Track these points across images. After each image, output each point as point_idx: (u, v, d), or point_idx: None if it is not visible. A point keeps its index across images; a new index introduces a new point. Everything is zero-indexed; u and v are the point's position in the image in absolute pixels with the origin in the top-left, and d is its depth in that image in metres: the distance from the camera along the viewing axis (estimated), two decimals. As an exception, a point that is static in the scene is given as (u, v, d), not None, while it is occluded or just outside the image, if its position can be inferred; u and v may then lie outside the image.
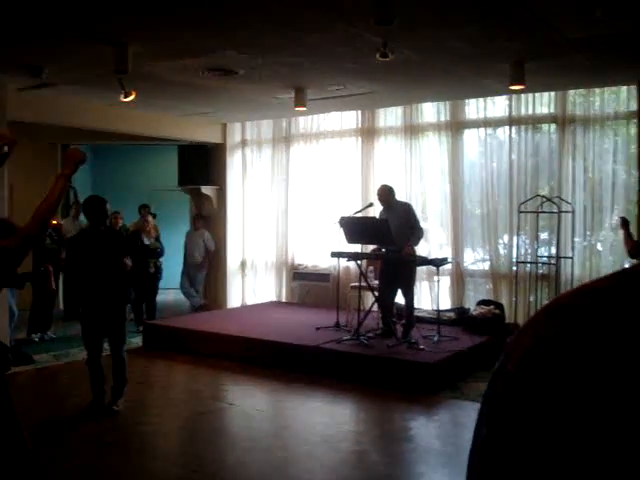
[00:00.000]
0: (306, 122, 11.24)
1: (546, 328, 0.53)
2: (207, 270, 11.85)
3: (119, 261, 6.15)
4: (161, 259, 10.62)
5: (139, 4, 5.21)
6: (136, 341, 9.40)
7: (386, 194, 8.21)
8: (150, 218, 10.63)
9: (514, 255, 9.18)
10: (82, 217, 11.08)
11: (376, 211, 8.87)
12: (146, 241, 10.40)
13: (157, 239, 10.60)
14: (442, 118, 9.92)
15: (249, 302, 11.93)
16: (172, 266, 11.64)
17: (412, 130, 10.13)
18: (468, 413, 6.51)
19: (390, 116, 10.53)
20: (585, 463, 0.45)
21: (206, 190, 11.89)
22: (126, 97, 7.26)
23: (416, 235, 8.03)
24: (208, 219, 12.00)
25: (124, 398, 6.37)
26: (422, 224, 8.42)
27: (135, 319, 10.42)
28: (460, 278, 9.55)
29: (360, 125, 10.68)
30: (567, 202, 8.78)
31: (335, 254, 8.54)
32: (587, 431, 0.45)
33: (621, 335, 0.48)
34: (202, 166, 11.90)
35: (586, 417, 0.46)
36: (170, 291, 12.91)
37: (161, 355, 8.73)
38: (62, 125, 9.95)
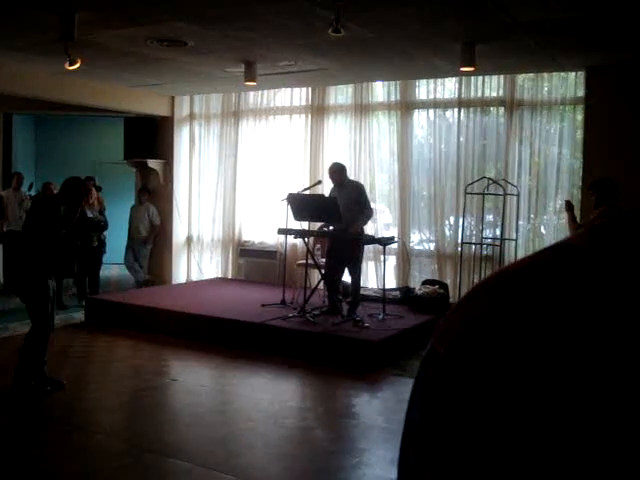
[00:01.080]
0: (256, 97, 11.13)
1: (475, 308, 0.52)
2: (152, 245, 11.69)
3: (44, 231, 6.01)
4: (105, 233, 10.43)
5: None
6: (79, 316, 9.25)
7: (338, 172, 8.20)
8: (94, 191, 10.42)
9: (459, 236, 9.28)
10: (24, 188, 10.85)
11: (325, 189, 8.87)
12: (90, 214, 10.19)
13: (101, 212, 10.40)
14: (392, 98, 9.93)
15: (195, 278, 11.83)
16: (116, 240, 11.45)
17: (362, 109, 10.12)
18: (410, 390, 6.59)
19: (340, 95, 10.50)
20: (518, 448, 0.44)
21: (153, 164, 11.70)
22: (71, 65, 7.06)
23: (365, 214, 8.05)
24: (154, 193, 11.81)
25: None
26: (371, 204, 8.44)
27: (78, 293, 10.25)
28: (406, 258, 9.63)
29: (310, 102, 10.62)
30: (513, 185, 8.90)
31: (282, 231, 8.51)
32: (520, 414, 0.44)
33: (549, 312, 0.46)
34: (149, 139, 11.70)
35: (518, 400, 0.44)
36: (114, 266, 12.71)
37: (104, 330, 8.60)
38: (5, 93, 9.65)
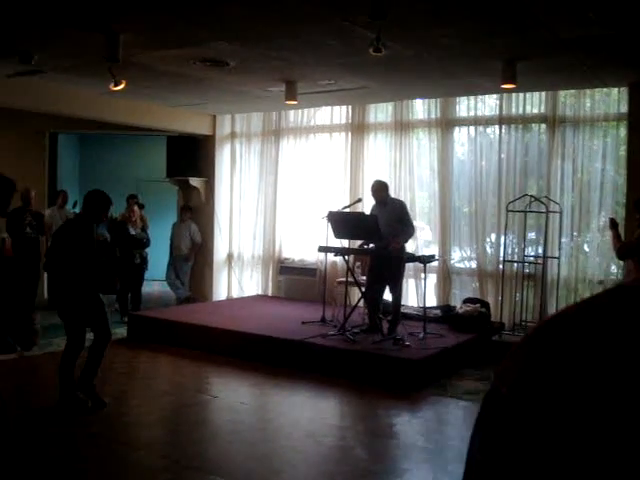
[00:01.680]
0: (296, 116, 11.20)
1: (538, 350, 0.52)
2: (193, 262, 11.80)
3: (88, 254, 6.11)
4: (147, 250, 10.57)
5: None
6: (121, 332, 9.35)
7: (380, 189, 8.19)
8: (136, 208, 10.58)
9: (501, 254, 9.18)
10: (68, 206, 11.04)
11: (365, 207, 8.86)
12: (132, 231, 10.35)
13: (143, 229, 10.55)
14: (432, 115, 9.91)
15: (235, 295, 11.90)
16: (158, 257, 11.60)
17: (402, 127, 10.12)
18: (452, 410, 6.53)
19: (380, 112, 10.52)
20: None
21: (194, 182, 11.84)
22: (116, 86, 7.20)
23: (406, 232, 8.02)
24: (195, 211, 11.94)
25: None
26: (413, 221, 8.41)
27: (120, 310, 10.37)
28: (447, 276, 9.57)
29: (350, 120, 10.66)
30: (555, 202, 8.79)
31: (322, 249, 8.52)
32: (585, 458, 0.44)
33: (616, 354, 0.46)
34: (191, 158, 11.84)
35: (584, 443, 0.44)
36: (156, 282, 12.86)
37: (145, 346, 8.69)
38: (50, 113, 9.87)
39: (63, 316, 6.08)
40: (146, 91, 9.29)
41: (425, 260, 8.18)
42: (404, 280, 8.71)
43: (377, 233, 7.68)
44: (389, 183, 8.75)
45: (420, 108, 10.17)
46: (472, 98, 9.56)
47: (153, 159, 13.41)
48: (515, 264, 9.10)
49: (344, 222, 8.16)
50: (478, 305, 8.83)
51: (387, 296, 8.42)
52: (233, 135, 12.05)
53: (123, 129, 11.38)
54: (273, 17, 5.74)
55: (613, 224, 6.81)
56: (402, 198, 9.35)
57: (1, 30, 6.32)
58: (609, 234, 7.26)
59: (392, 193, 8.93)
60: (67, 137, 13.35)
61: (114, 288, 9.49)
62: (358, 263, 9.14)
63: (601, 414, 0.44)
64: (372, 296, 8.19)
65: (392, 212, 8.01)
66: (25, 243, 9.16)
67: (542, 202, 8.68)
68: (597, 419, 0.44)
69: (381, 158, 10.46)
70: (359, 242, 8.60)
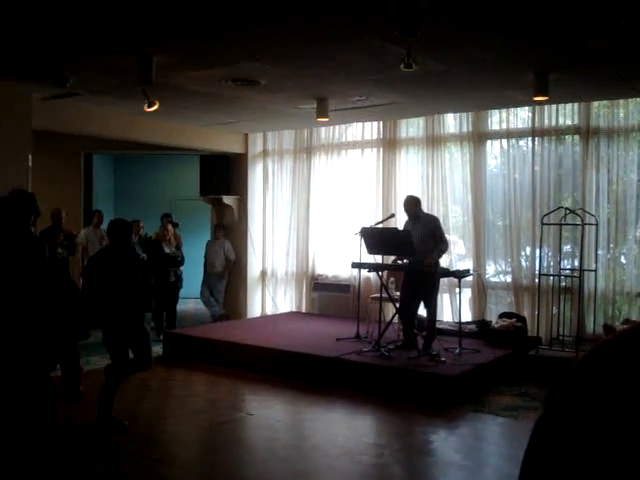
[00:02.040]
0: (327, 132, 11.24)
1: (591, 377, 0.51)
2: (227, 280, 11.86)
3: (133, 274, 6.17)
4: (181, 268, 10.65)
5: (163, 15, 5.24)
6: (156, 350, 9.41)
7: (413, 205, 8.17)
8: (170, 227, 10.67)
9: (537, 267, 9.08)
10: (104, 226, 11.17)
11: (398, 222, 8.84)
12: (167, 250, 10.44)
13: (178, 248, 10.64)
14: (464, 129, 9.87)
15: (269, 312, 11.92)
16: (193, 275, 11.68)
17: (434, 141, 10.09)
18: (489, 427, 6.45)
19: (412, 127, 10.50)
20: None
21: (227, 200, 11.92)
22: (150, 107, 7.29)
23: (440, 248, 7.97)
24: (229, 229, 12.02)
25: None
26: (446, 237, 8.37)
27: (155, 328, 10.44)
28: (482, 290, 9.48)
29: (382, 136, 10.66)
30: (591, 214, 8.69)
31: (356, 265, 8.51)
32: None
33: None
34: (224, 176, 11.94)
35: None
36: (190, 300, 12.94)
37: (181, 364, 8.74)
38: (85, 134, 10.03)
39: (105, 341, 6.13)
40: (179, 111, 9.39)
41: (460, 275, 8.13)
42: (439, 295, 8.66)
43: (411, 248, 7.66)
44: (422, 198, 8.72)
45: (452, 122, 10.14)
46: (504, 111, 9.51)
47: (186, 178, 13.55)
48: (551, 277, 8.99)
49: (377, 238, 8.14)
50: (514, 320, 8.74)
51: (422, 311, 8.37)
52: (265, 153, 12.13)
53: (157, 149, 11.52)
54: (303, 36, 5.77)
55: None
56: (435, 212, 9.32)
57: (36, 54, 6.45)
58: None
59: (425, 208, 8.90)
60: (102, 158, 13.55)
61: (149, 306, 9.60)
62: (392, 279, 9.11)
63: None
64: (407, 312, 8.15)
65: (425, 227, 7.98)
66: (56, 263, 9.27)
67: (577, 214, 8.58)
68: None
69: (413, 173, 10.44)
70: (392, 258, 8.57)
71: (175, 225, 10.92)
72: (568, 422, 0.46)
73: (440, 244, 7.98)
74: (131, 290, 6.05)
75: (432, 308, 8.11)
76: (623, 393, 0.44)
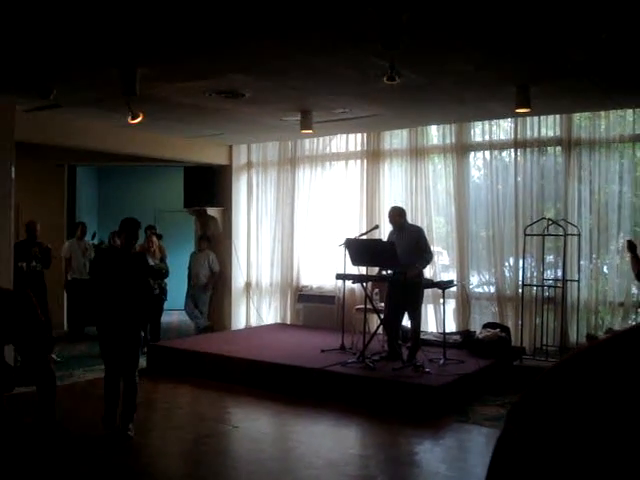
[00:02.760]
0: (312, 144, 11.27)
1: (551, 392, 0.53)
2: (211, 291, 11.83)
3: (142, 283, 6.17)
4: (166, 280, 10.61)
5: (147, 27, 5.25)
6: (140, 362, 9.36)
7: (398, 215, 8.21)
8: (155, 239, 10.64)
9: (520, 278, 9.14)
10: (87, 237, 11.13)
11: (382, 233, 8.86)
12: (151, 262, 10.39)
13: (162, 260, 10.59)
14: (447, 141, 9.94)
15: (254, 324, 11.90)
16: (177, 287, 11.64)
17: (417, 152, 10.15)
18: (474, 437, 6.47)
19: (395, 139, 10.56)
20: None
21: (212, 211, 11.92)
22: (134, 119, 7.29)
23: (424, 259, 8.00)
24: (213, 240, 12.00)
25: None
26: (431, 247, 8.40)
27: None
28: (466, 301, 9.52)
29: (366, 147, 10.71)
30: (573, 225, 8.76)
31: (340, 276, 8.53)
32: None
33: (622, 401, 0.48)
34: (208, 187, 11.94)
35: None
36: (174, 312, 12.90)
37: (165, 377, 8.70)
38: (69, 146, 10.00)
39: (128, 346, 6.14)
40: (163, 123, 9.39)
41: (444, 285, 8.17)
42: (423, 306, 8.68)
43: (395, 259, 7.68)
44: (406, 209, 8.76)
45: (435, 134, 10.21)
46: (487, 123, 9.59)
47: (171, 190, 13.53)
48: (534, 288, 9.05)
49: (361, 249, 8.16)
50: (498, 330, 8.78)
51: (406, 322, 8.39)
52: (249, 165, 12.14)
53: (141, 161, 11.50)
54: (287, 49, 5.80)
55: (631, 246, 6.77)
56: (419, 223, 9.36)
57: (20, 66, 6.43)
58: (628, 256, 7.21)
59: (409, 219, 8.93)
60: (86, 169, 13.50)
61: (150, 316, 9.56)
62: (376, 290, 9.12)
63: (602, 464, 0.46)
64: (391, 323, 8.16)
65: (410, 238, 8.01)
66: (30, 275, 9.20)
67: (560, 225, 8.65)
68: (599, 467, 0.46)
69: (397, 184, 10.49)
70: (377, 269, 8.60)
71: (159, 237, 10.89)
72: (526, 439, 0.47)
73: (424, 255, 8.01)
74: (136, 294, 6.05)
75: (416, 319, 8.13)
76: (584, 409, 0.45)
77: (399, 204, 9.00)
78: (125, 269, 6.05)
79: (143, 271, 6.24)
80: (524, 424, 0.54)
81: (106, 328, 6.10)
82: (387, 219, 8.35)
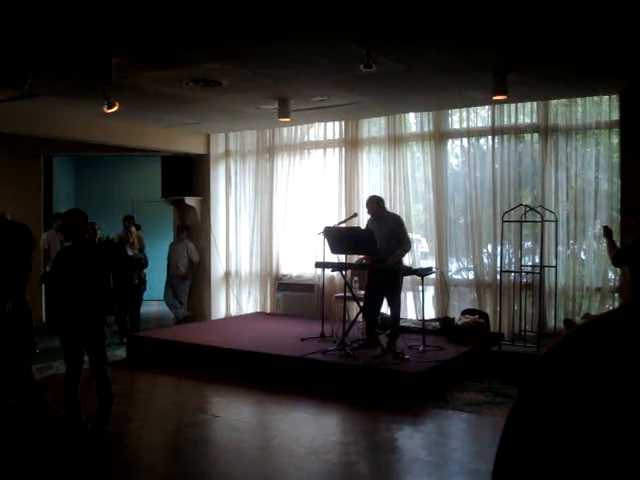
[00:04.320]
0: (290, 133, 11.24)
1: (566, 362, 0.55)
2: (191, 281, 11.80)
3: (99, 277, 6.07)
4: (145, 270, 10.57)
5: (122, 16, 5.20)
6: (120, 353, 9.34)
7: (375, 204, 8.22)
8: (133, 229, 10.58)
9: (498, 264, 9.20)
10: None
11: (361, 221, 8.88)
12: (130, 252, 10.35)
13: (141, 250, 10.55)
14: (425, 128, 9.95)
15: (233, 313, 11.89)
16: (156, 277, 11.60)
17: (396, 140, 10.16)
18: (454, 423, 6.52)
19: (374, 126, 10.56)
20: None
21: (190, 201, 11.87)
22: (109, 108, 7.23)
23: (403, 247, 8.02)
24: (192, 230, 11.96)
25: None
26: (409, 236, 8.43)
27: (119, 331, 10.35)
28: (444, 288, 9.57)
29: (344, 136, 10.70)
30: (550, 211, 8.82)
31: (319, 264, 8.53)
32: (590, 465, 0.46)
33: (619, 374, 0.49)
34: (186, 177, 11.88)
35: (588, 451, 0.46)
36: (154, 302, 12.85)
37: (145, 367, 8.68)
38: (45, 136, 9.90)
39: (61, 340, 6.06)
40: (139, 112, 9.32)
41: (422, 273, 8.20)
42: (402, 293, 8.72)
43: (373, 247, 7.69)
44: (384, 196, 8.78)
45: (413, 121, 10.22)
46: (464, 110, 9.61)
47: (148, 179, 13.44)
48: (512, 274, 9.11)
49: (340, 237, 8.17)
50: (477, 316, 8.83)
51: (386, 310, 8.42)
52: (227, 153, 12.09)
53: (118, 151, 11.41)
54: (264, 37, 5.78)
55: (607, 232, 6.83)
56: (397, 211, 9.38)
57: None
58: (605, 241, 7.27)
59: (388, 206, 8.94)
60: (62, 160, 13.37)
61: (112, 309, 9.50)
62: (356, 278, 9.14)
63: (604, 427, 0.47)
64: (370, 310, 8.19)
65: (388, 226, 8.03)
66: None
67: (537, 211, 8.70)
68: (602, 431, 0.47)
69: (375, 172, 10.50)
70: (356, 257, 8.61)
71: (138, 227, 10.83)
72: (541, 410, 0.48)
73: (403, 243, 8.03)
74: (91, 291, 5.97)
75: (395, 306, 8.16)
76: (599, 379, 0.46)
77: (377, 192, 9.02)
78: (79, 262, 5.93)
79: (99, 263, 6.11)
80: (538, 394, 0.55)
81: (65, 323, 6.01)
82: (365, 207, 8.36)
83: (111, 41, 5.90)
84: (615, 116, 8.58)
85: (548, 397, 0.54)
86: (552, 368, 0.57)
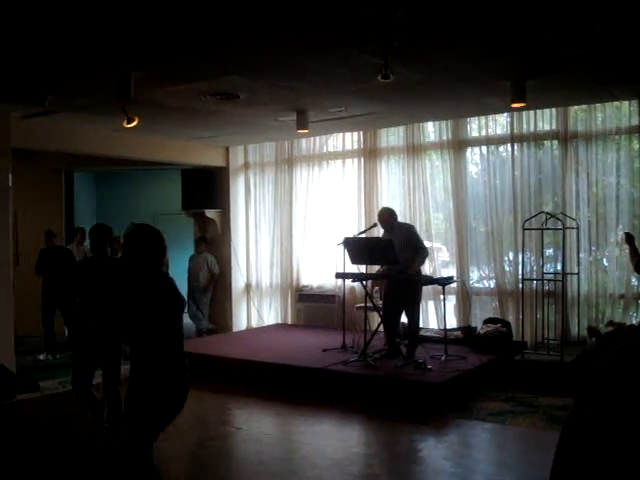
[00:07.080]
0: (308, 144, 11.26)
1: (622, 373, 0.54)
2: (212, 293, 11.83)
3: (117, 291, 6.06)
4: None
5: (141, 32, 5.24)
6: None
7: (386, 217, 8.20)
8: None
9: (520, 272, 9.12)
10: (86, 243, 11.12)
11: (380, 231, 8.87)
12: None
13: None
14: (444, 137, 9.92)
15: (255, 325, 11.90)
16: (177, 290, 11.60)
17: (414, 149, 10.14)
18: (477, 433, 6.46)
19: (392, 136, 10.54)
20: None
21: (210, 214, 11.91)
22: (129, 123, 7.27)
23: (420, 255, 7.99)
24: (212, 242, 12.00)
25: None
26: (426, 243, 8.40)
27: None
28: (466, 296, 9.52)
29: (362, 146, 10.70)
30: (571, 218, 8.76)
31: (340, 275, 8.52)
32: None
33: None
34: (206, 190, 11.92)
35: None
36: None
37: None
38: (65, 152, 9.99)
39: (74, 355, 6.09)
40: (159, 126, 9.39)
41: (443, 282, 8.16)
42: (423, 303, 8.67)
43: (393, 257, 7.67)
44: (404, 206, 8.77)
45: (431, 130, 10.21)
46: (483, 118, 9.58)
47: (168, 193, 13.50)
48: (534, 282, 9.04)
49: (360, 248, 8.16)
50: (499, 325, 8.77)
51: (405, 319, 8.39)
52: (246, 166, 12.13)
53: (138, 164, 11.49)
54: (281, 49, 5.80)
55: (629, 238, 6.76)
56: (417, 220, 9.37)
57: (14, 73, 6.43)
58: (627, 248, 7.20)
59: (407, 216, 8.94)
60: (83, 175, 13.49)
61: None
62: (376, 288, 9.12)
63: None
64: (390, 320, 8.16)
65: (401, 237, 7.98)
66: None
67: (558, 219, 8.64)
68: None
69: (395, 182, 10.49)
70: (377, 267, 8.59)
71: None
72: (598, 418, 0.47)
73: (419, 251, 8.00)
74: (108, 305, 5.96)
75: (414, 316, 8.12)
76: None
77: (397, 201, 9.01)
78: (98, 277, 5.90)
79: (118, 278, 6.09)
80: (595, 403, 0.55)
81: (80, 337, 6.02)
82: (377, 220, 8.33)
83: (130, 56, 5.94)
84: (635, 121, 8.51)
85: (611, 403, 0.54)
86: (614, 376, 0.57)
